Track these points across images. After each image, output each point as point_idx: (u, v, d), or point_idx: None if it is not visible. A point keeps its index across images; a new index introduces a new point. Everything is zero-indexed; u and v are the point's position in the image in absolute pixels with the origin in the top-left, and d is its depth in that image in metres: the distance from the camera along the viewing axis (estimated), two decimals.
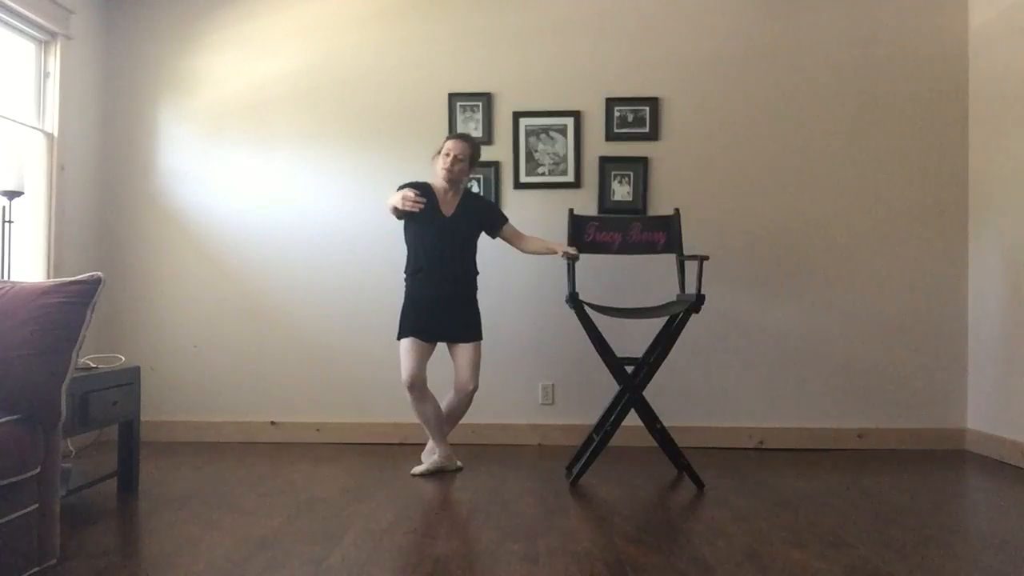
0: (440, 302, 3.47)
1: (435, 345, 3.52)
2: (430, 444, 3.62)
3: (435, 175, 3.55)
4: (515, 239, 3.62)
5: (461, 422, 3.79)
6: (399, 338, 3.51)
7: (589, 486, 3.28)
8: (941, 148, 4.17)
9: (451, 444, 3.61)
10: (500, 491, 3.20)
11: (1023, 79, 3.73)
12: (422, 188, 3.50)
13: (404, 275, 3.57)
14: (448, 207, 3.53)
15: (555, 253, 3.53)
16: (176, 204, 4.33)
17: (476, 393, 3.56)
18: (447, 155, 3.48)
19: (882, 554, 2.40)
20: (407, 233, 3.58)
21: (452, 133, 3.76)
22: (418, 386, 3.43)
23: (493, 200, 4.17)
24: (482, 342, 3.57)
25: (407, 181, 3.59)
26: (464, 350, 3.52)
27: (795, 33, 4.22)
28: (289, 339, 4.26)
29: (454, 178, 3.50)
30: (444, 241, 3.49)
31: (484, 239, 3.66)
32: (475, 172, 4.02)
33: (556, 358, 4.18)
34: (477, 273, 3.61)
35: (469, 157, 3.52)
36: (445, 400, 3.58)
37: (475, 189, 4.19)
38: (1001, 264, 3.88)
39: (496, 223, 3.62)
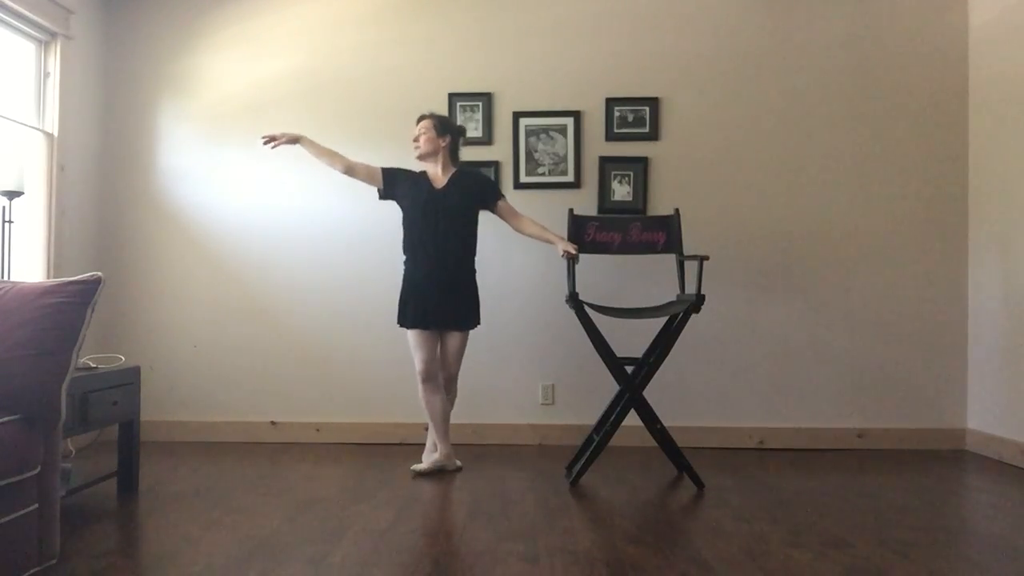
0: (438, 287, 3.46)
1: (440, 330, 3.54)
2: (430, 443, 3.62)
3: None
4: (510, 217, 3.62)
5: (462, 422, 3.78)
6: (400, 324, 3.53)
7: (589, 486, 3.28)
8: (941, 148, 4.17)
9: (451, 444, 3.60)
10: (500, 491, 3.20)
11: (1023, 79, 3.73)
12: (415, 174, 3.59)
13: (403, 257, 3.57)
14: (440, 183, 3.57)
15: (552, 244, 3.55)
16: (176, 204, 4.33)
17: (459, 381, 3.64)
18: (413, 139, 3.60)
19: (882, 554, 2.40)
20: (403, 219, 3.59)
21: None
22: (433, 377, 3.49)
23: None
24: (474, 329, 3.58)
25: (403, 167, 3.63)
26: (453, 338, 3.54)
27: (795, 33, 4.22)
28: (289, 339, 4.26)
29: (424, 152, 3.57)
30: (438, 213, 3.48)
31: (485, 231, 3.64)
32: (479, 169, 4.04)
33: (556, 358, 4.18)
34: (475, 254, 3.59)
35: (433, 127, 3.56)
36: None
37: None
38: (1001, 264, 3.88)
39: (490, 197, 3.61)
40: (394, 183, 3.59)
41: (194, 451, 3.98)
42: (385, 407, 4.20)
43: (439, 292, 3.46)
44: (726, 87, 4.22)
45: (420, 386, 3.50)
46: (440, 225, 3.48)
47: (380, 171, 3.60)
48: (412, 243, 3.52)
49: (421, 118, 3.62)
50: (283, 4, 4.33)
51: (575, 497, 3.11)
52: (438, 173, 3.58)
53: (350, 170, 3.59)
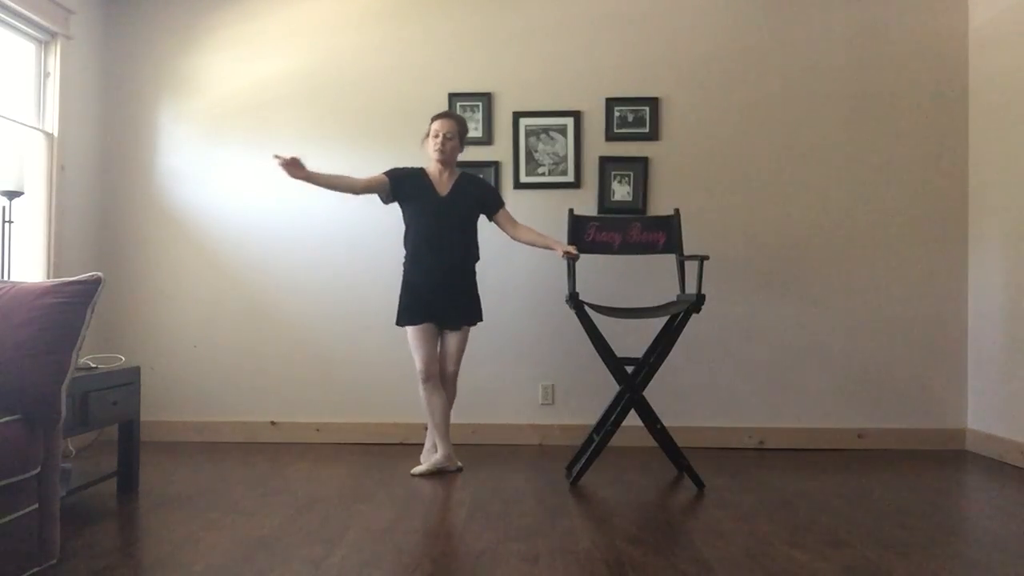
0: (438, 288, 3.46)
1: (440, 327, 3.52)
2: (429, 443, 3.61)
3: (427, 158, 3.57)
4: (508, 226, 3.59)
5: (461, 422, 3.78)
6: (400, 324, 3.51)
7: (589, 486, 3.28)
8: (941, 148, 4.18)
9: (451, 444, 3.60)
10: (500, 491, 3.20)
11: (1023, 79, 3.73)
12: (415, 174, 3.53)
13: (403, 260, 3.56)
14: (444, 187, 3.53)
15: (552, 249, 3.52)
16: (176, 204, 4.33)
17: (458, 381, 3.60)
18: (436, 136, 3.49)
19: (882, 554, 2.40)
20: (404, 217, 3.56)
21: (436, 113, 3.59)
22: (434, 376, 3.46)
23: None
24: (474, 326, 3.57)
25: (398, 167, 3.58)
26: (453, 336, 3.52)
27: (795, 33, 4.22)
28: (289, 339, 4.26)
29: (447, 158, 3.51)
30: (441, 222, 3.47)
31: (483, 230, 3.64)
32: (478, 171, 4.04)
33: (556, 358, 4.18)
34: (478, 258, 3.59)
35: (458, 133, 3.52)
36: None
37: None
38: (1001, 264, 3.88)
39: (493, 205, 3.59)
40: (401, 186, 3.50)
41: (194, 451, 3.98)
42: (385, 407, 4.20)
43: (440, 293, 3.46)
44: (726, 87, 4.22)
45: (421, 386, 3.49)
46: (444, 233, 3.46)
47: (386, 178, 3.50)
48: (415, 245, 3.50)
49: (445, 117, 3.52)
50: (283, 5, 4.33)
51: (575, 497, 3.11)
52: (442, 178, 3.54)
53: (365, 188, 3.47)
